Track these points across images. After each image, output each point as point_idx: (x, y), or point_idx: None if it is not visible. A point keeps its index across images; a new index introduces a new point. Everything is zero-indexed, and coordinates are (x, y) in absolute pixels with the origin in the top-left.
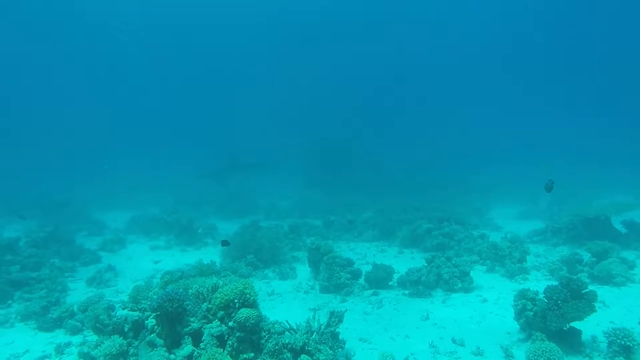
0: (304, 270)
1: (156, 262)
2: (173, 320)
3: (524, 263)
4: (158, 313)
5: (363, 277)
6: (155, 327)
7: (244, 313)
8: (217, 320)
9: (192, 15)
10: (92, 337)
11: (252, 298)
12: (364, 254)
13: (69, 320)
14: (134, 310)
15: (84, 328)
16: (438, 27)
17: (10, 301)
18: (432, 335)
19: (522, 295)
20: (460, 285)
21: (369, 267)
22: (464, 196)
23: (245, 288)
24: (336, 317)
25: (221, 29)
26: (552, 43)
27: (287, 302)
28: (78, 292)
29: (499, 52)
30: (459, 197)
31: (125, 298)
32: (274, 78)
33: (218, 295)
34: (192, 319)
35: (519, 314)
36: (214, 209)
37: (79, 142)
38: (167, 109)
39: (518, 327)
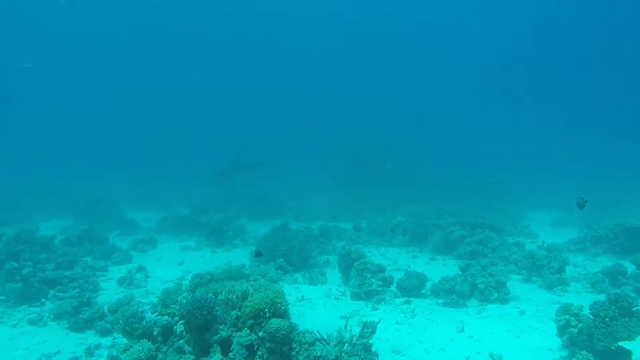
0: (334, 275)
1: (185, 264)
2: (202, 327)
3: (563, 274)
4: (187, 320)
5: (395, 285)
6: (184, 333)
7: (274, 323)
8: (246, 328)
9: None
10: (122, 340)
11: (283, 308)
12: (395, 259)
13: (99, 322)
14: (163, 315)
15: (114, 330)
16: (466, 30)
17: (44, 299)
18: (468, 349)
19: (565, 310)
20: (496, 295)
21: (400, 274)
22: (496, 201)
23: (276, 297)
24: (369, 328)
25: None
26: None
27: (317, 308)
28: (109, 292)
29: (531, 57)
30: (491, 202)
31: (155, 300)
32: (304, 79)
33: (248, 304)
34: (221, 327)
35: (562, 330)
36: (244, 210)
37: (108, 142)
38: (191, 108)
39: (560, 343)
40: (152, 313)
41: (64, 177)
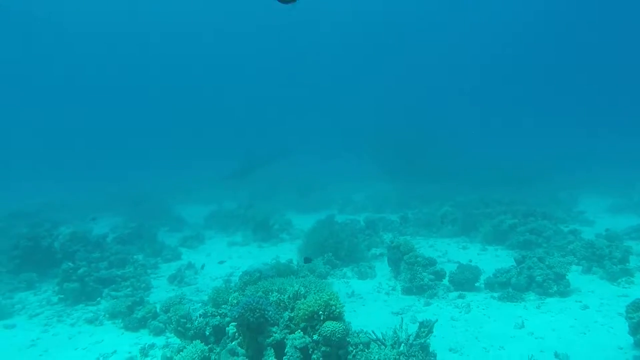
0: (382, 269)
1: (232, 259)
2: (254, 330)
3: (627, 264)
4: (239, 322)
5: (447, 278)
6: (236, 334)
7: (329, 326)
8: (299, 330)
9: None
10: (174, 339)
11: (337, 310)
12: (445, 250)
13: (152, 321)
14: (215, 316)
15: (167, 329)
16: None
17: (99, 298)
18: (530, 347)
19: (637, 306)
20: (555, 288)
21: (451, 266)
22: (545, 188)
23: (331, 299)
24: (426, 327)
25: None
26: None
27: (368, 304)
28: (160, 290)
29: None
30: (540, 188)
31: (205, 297)
32: (344, 68)
33: (301, 307)
34: (274, 329)
35: (635, 328)
36: (288, 203)
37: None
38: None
39: (632, 342)
40: (203, 313)
41: (115, 175)
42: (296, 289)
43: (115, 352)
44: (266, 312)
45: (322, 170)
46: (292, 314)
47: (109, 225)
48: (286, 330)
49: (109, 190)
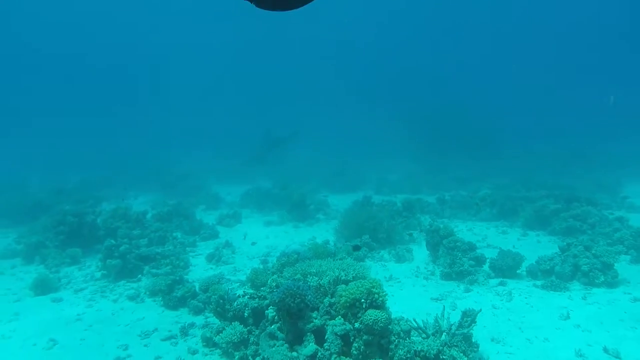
0: (420, 252)
1: (269, 239)
2: (294, 315)
3: None
4: (279, 307)
5: (487, 264)
6: (276, 318)
7: (371, 315)
8: (340, 317)
9: None
10: (213, 319)
11: (380, 299)
12: (484, 235)
13: (192, 301)
14: (254, 298)
15: (205, 309)
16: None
17: (140, 275)
18: (577, 341)
19: None
20: (602, 279)
21: (491, 251)
22: (588, 171)
23: (373, 287)
24: (469, 317)
25: None
26: None
27: (406, 288)
28: (199, 269)
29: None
30: (582, 172)
31: (243, 277)
32: (377, 48)
33: (343, 294)
34: (314, 314)
35: None
36: (324, 183)
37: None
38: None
39: None
40: (242, 295)
41: (154, 154)
42: (336, 274)
43: (156, 329)
44: (306, 298)
45: (356, 151)
46: (332, 300)
47: (147, 203)
48: (326, 316)
49: (147, 168)
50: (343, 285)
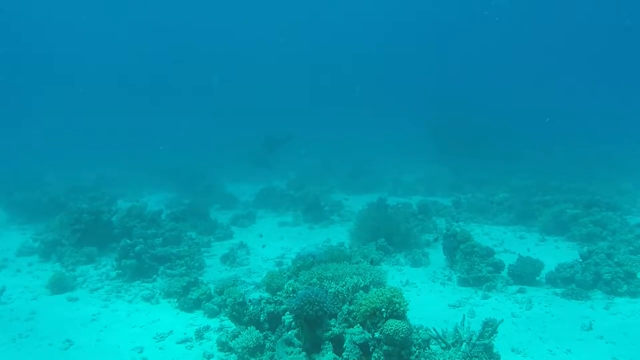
0: (436, 256)
1: (284, 240)
2: (312, 322)
3: None
4: (297, 314)
5: (506, 270)
6: (292, 324)
7: (392, 325)
8: (359, 325)
9: None
10: (228, 322)
11: (402, 309)
12: (501, 239)
13: (207, 303)
14: (270, 303)
15: (221, 312)
16: None
17: (155, 276)
18: (602, 353)
19: None
20: (625, 288)
21: (508, 257)
22: (606, 174)
23: (394, 296)
24: (490, 327)
25: None
26: None
27: (423, 294)
28: (213, 270)
29: None
30: (600, 175)
31: (257, 279)
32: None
33: (363, 302)
34: (332, 322)
35: None
36: (339, 183)
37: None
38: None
39: None
40: (258, 300)
41: (170, 152)
42: (355, 280)
43: (171, 332)
44: (325, 305)
45: (371, 151)
46: (351, 307)
47: (162, 201)
48: (345, 324)
49: (161, 166)
50: (362, 292)
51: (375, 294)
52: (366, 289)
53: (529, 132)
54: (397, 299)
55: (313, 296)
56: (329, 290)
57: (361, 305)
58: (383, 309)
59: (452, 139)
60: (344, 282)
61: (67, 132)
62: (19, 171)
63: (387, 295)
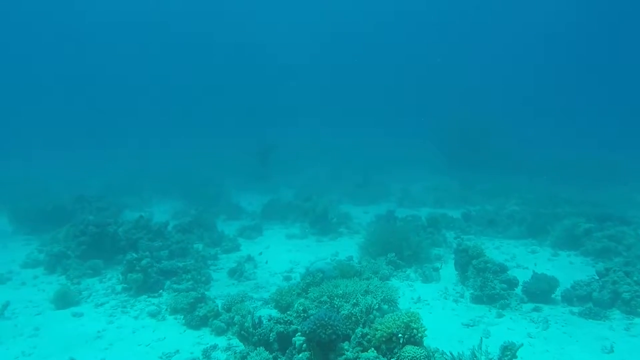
0: (447, 272)
1: (291, 253)
2: (325, 346)
3: None
4: (309, 337)
5: (520, 287)
6: (304, 345)
7: (409, 352)
8: (373, 349)
9: None
10: (236, 341)
11: (419, 334)
12: (513, 254)
13: (214, 321)
14: (280, 323)
15: (228, 330)
16: None
17: (161, 290)
18: None
19: None
20: None
21: (520, 272)
22: (615, 186)
23: (412, 321)
24: (509, 352)
25: None
26: None
27: (435, 312)
28: (220, 284)
29: None
30: (609, 187)
31: (265, 294)
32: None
33: (379, 327)
34: (345, 346)
35: None
36: (346, 194)
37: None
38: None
39: None
40: (267, 321)
41: (176, 162)
42: (369, 301)
43: (177, 351)
44: (338, 329)
45: (378, 162)
46: (364, 330)
47: (168, 211)
48: (358, 348)
49: (168, 175)
50: (377, 314)
51: (392, 318)
52: (380, 309)
53: (537, 141)
54: (415, 324)
55: (326, 319)
56: (342, 312)
57: (377, 330)
58: (400, 334)
59: (459, 150)
60: (355, 300)
61: (74, 139)
62: (24, 178)
63: (404, 320)
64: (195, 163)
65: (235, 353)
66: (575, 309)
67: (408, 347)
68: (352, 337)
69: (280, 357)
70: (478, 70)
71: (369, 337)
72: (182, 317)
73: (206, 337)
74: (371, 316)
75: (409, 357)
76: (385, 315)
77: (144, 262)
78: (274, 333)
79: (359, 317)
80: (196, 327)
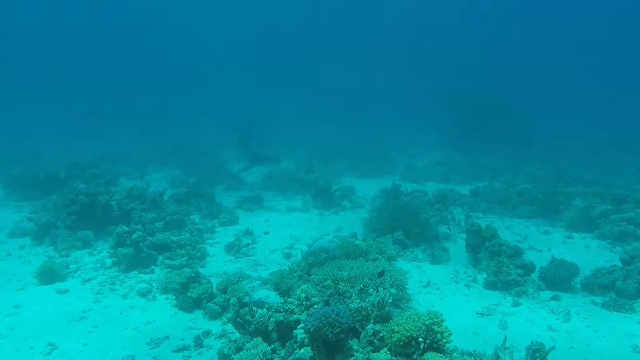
0: (456, 252)
1: (292, 227)
2: (331, 345)
3: None
4: (314, 336)
5: (536, 272)
6: (306, 339)
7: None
8: (385, 350)
9: None
10: (231, 327)
11: (444, 340)
12: (524, 234)
13: (208, 303)
14: (279, 312)
15: (223, 313)
16: None
17: (153, 266)
18: None
19: None
20: None
21: (534, 255)
22: (628, 162)
23: (434, 324)
24: (539, 354)
25: None
26: None
27: (446, 298)
28: (217, 260)
29: None
30: (621, 162)
31: (264, 273)
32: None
33: (396, 329)
34: (353, 344)
35: None
36: (348, 166)
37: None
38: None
39: None
40: (266, 307)
41: (174, 130)
42: (382, 295)
43: (167, 337)
44: (346, 326)
45: (382, 132)
46: (376, 327)
47: (166, 179)
48: (369, 348)
49: (167, 143)
50: (393, 310)
51: (411, 319)
52: (393, 302)
53: (548, 116)
54: (438, 327)
55: (334, 316)
56: (351, 306)
57: (393, 333)
58: (421, 339)
59: (466, 123)
60: (362, 285)
61: (73, 109)
62: (18, 145)
63: (426, 322)
64: (195, 133)
65: (230, 341)
66: (598, 299)
67: (430, 354)
68: (362, 334)
69: (279, 350)
70: (492, 42)
71: (381, 335)
72: (174, 297)
73: (199, 320)
74: (384, 311)
75: None
76: (403, 316)
77: (135, 235)
78: (273, 322)
79: (369, 312)
80: (188, 309)
